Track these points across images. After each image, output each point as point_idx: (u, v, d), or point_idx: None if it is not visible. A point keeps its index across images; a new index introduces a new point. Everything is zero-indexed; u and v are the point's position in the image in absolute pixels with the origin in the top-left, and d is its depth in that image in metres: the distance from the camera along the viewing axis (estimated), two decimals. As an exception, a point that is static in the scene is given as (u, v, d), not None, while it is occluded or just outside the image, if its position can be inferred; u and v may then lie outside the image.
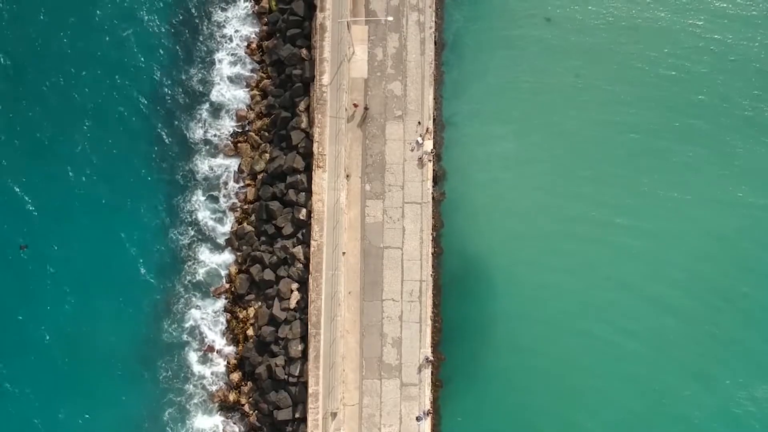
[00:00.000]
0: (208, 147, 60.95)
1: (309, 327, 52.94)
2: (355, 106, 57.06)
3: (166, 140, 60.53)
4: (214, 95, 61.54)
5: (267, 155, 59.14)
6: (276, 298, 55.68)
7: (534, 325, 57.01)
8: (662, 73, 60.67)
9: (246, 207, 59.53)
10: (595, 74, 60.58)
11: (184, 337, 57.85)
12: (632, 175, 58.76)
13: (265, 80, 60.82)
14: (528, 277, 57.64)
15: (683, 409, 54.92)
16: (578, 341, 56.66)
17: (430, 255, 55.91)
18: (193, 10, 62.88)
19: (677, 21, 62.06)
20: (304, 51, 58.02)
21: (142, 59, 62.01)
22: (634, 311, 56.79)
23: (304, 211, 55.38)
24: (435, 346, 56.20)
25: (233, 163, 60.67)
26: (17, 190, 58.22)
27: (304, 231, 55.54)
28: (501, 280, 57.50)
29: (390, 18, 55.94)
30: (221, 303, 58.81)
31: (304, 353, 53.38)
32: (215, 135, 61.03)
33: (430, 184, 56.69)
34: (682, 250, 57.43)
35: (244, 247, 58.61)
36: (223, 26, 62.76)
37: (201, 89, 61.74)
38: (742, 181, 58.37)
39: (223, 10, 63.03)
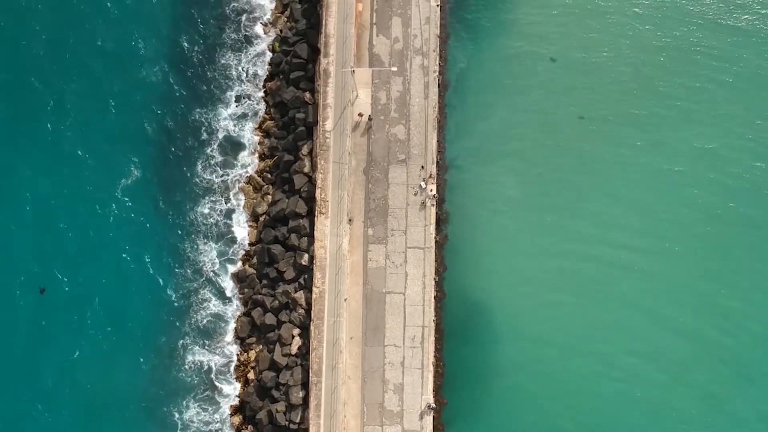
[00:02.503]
0: (212, 188, 60.84)
1: (310, 375, 52.70)
2: (360, 116, 56.80)
3: (172, 183, 60.71)
4: (221, 136, 61.50)
5: (269, 197, 59.03)
6: (277, 343, 55.48)
7: (536, 370, 56.69)
8: (666, 114, 60.37)
9: (248, 249, 59.37)
10: (600, 115, 60.26)
11: (189, 379, 57.79)
12: (636, 214, 58.39)
13: (268, 121, 60.74)
14: (530, 321, 57.31)
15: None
16: (581, 386, 56.29)
17: (433, 300, 55.64)
18: (203, 52, 63.07)
19: (681, 60, 61.75)
20: (307, 95, 57.95)
21: (148, 96, 62.17)
22: (639, 354, 56.36)
23: (306, 256, 55.20)
24: (437, 389, 55.89)
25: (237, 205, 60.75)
26: (32, 237, 59.07)
27: (306, 276, 55.36)
28: (503, 324, 57.23)
29: (394, 68, 55.78)
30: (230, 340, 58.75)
31: (305, 400, 53.16)
32: (220, 176, 60.91)
33: (432, 228, 56.46)
34: (685, 293, 57.30)
35: (246, 290, 58.46)
36: (232, 67, 62.75)
37: (207, 132, 61.81)
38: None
39: (235, 52, 63.07)
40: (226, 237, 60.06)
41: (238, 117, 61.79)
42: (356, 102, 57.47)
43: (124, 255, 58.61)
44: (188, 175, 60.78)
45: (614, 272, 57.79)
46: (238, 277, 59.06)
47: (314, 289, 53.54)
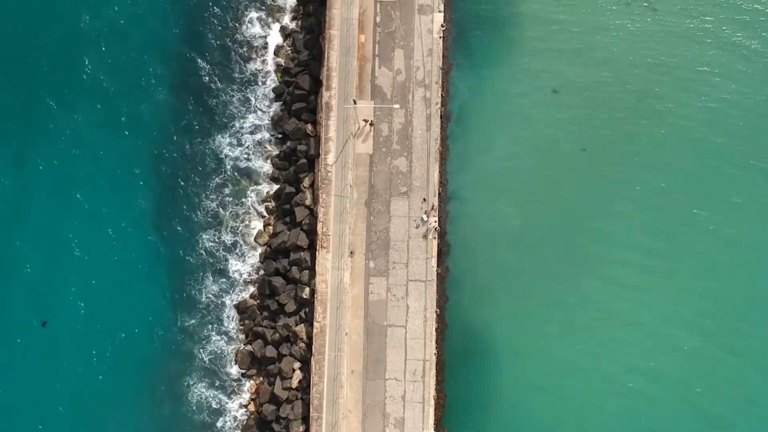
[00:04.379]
0: (215, 218, 60.82)
1: (311, 409, 52.50)
2: (365, 121, 56.79)
3: (175, 213, 60.44)
4: (228, 166, 61.52)
5: (270, 228, 58.91)
6: (278, 377, 55.32)
7: (538, 400, 56.45)
8: (669, 143, 60.25)
9: (249, 279, 59.21)
10: (603, 147, 60.06)
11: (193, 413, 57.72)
12: (639, 252, 58.18)
13: (270, 152, 60.60)
14: (532, 353, 57.09)
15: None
16: (585, 416, 56.07)
17: (434, 334, 55.46)
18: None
19: (685, 92, 61.58)
20: (309, 126, 57.85)
21: (154, 125, 62.13)
22: (643, 375, 56.27)
23: (307, 289, 55.04)
24: (438, 421, 55.69)
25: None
26: (30, 270, 58.74)
27: (307, 309, 55.20)
28: (504, 354, 56.95)
29: (397, 105, 55.70)
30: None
31: (306, 434, 53.07)
32: (224, 206, 60.85)
33: (434, 261, 56.29)
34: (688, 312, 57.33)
35: (246, 321, 58.31)
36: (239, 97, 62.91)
37: (213, 161, 61.79)
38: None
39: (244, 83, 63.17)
40: (227, 268, 59.80)
41: (246, 146, 61.67)
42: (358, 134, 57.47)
43: (126, 287, 58.28)
44: (192, 205, 60.45)
45: (621, 304, 57.45)
46: (238, 308, 58.88)
47: (315, 323, 53.37)
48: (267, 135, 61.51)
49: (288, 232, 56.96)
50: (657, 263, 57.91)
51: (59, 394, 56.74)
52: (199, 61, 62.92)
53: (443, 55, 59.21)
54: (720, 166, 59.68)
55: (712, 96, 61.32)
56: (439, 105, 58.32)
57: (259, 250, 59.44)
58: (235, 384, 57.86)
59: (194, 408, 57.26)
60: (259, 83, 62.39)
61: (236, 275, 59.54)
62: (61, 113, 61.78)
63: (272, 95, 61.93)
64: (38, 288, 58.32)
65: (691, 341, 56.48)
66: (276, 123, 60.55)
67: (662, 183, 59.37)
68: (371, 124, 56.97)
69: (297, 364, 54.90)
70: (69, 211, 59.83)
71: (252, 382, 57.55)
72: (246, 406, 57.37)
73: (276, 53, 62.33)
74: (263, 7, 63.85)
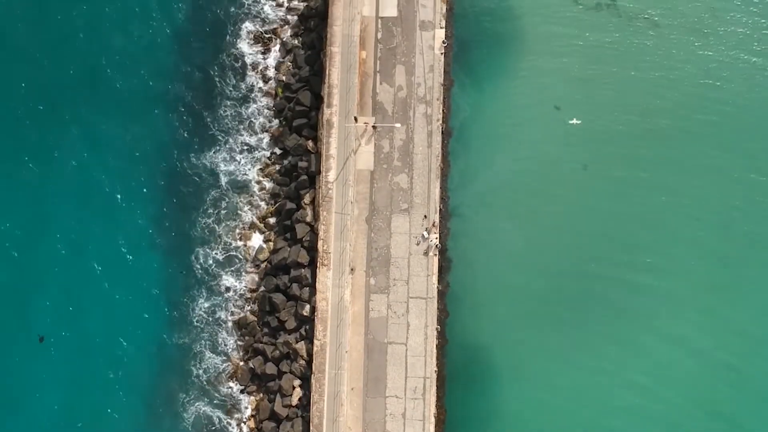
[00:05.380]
0: (214, 233, 60.67)
1: (311, 428, 52.34)
2: (366, 124, 56.65)
3: (173, 229, 60.37)
4: (224, 181, 61.46)
5: (271, 244, 58.83)
6: (278, 394, 55.21)
7: (539, 417, 56.30)
8: (671, 158, 60.12)
9: (249, 295, 59.14)
10: (604, 165, 59.94)
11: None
12: (639, 269, 58.04)
13: (270, 167, 60.58)
14: (532, 370, 56.96)
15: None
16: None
17: (435, 351, 55.33)
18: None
19: (688, 111, 61.46)
20: (310, 143, 57.78)
21: (150, 142, 62.12)
22: (644, 400, 56.09)
23: (307, 307, 54.94)
24: (438, 438, 55.75)
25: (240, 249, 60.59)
26: (30, 284, 58.75)
27: (307, 327, 55.10)
28: (505, 370, 56.80)
29: (398, 124, 55.64)
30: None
31: (306, 452, 52.91)
32: (222, 221, 60.77)
33: (435, 278, 56.17)
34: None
35: (247, 338, 58.21)
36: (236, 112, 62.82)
37: (209, 176, 61.77)
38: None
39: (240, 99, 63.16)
40: (225, 284, 59.67)
41: (243, 161, 61.62)
42: (359, 150, 57.37)
43: (124, 304, 58.14)
44: (188, 221, 60.34)
45: (622, 321, 57.28)
46: (238, 324, 58.79)
47: (315, 341, 53.25)
48: (266, 151, 61.44)
49: (288, 249, 56.85)
50: (657, 279, 57.76)
51: (55, 410, 56.58)
52: (197, 75, 63.01)
53: (445, 72, 59.16)
54: (723, 179, 59.53)
55: (712, 109, 61.23)
56: (441, 121, 58.24)
57: (261, 266, 59.26)
58: (234, 401, 57.70)
59: (193, 425, 57.06)
60: (259, 98, 62.36)
61: (234, 291, 59.39)
62: (52, 128, 61.70)
63: (269, 111, 61.89)
64: (37, 303, 58.18)
65: (700, 349, 56.20)
66: (276, 139, 60.49)
67: (663, 198, 59.27)
68: (374, 127, 56.85)
69: (297, 382, 54.78)
70: (63, 227, 59.71)
71: (252, 398, 57.44)
72: (246, 423, 57.24)
73: (277, 69, 62.26)
74: (261, 23, 64.03)
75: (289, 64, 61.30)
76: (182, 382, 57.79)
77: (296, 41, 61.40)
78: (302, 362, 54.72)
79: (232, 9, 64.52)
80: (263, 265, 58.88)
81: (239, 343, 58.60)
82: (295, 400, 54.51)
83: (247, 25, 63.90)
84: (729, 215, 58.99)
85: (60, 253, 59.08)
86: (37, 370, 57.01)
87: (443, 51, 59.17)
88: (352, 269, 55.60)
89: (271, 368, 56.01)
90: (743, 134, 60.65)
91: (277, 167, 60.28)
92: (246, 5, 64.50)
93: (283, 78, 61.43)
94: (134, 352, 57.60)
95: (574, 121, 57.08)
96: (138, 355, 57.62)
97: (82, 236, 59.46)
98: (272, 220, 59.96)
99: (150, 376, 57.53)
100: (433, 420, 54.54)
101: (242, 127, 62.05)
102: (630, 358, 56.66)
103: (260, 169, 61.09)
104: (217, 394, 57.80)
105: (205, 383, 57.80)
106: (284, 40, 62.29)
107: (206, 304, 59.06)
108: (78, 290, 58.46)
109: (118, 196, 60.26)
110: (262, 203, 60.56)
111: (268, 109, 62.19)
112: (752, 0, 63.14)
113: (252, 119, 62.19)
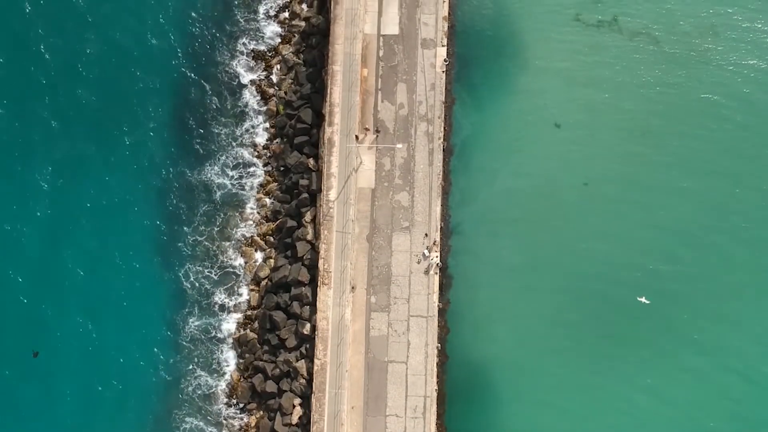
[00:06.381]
0: (213, 250, 60.56)
1: (311, 447, 52.34)
2: (366, 129, 56.56)
3: (170, 246, 60.38)
4: (222, 197, 61.34)
5: (272, 261, 58.73)
6: (278, 412, 55.07)
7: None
8: (672, 176, 60.14)
9: (249, 313, 59.03)
10: (605, 182, 59.94)
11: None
12: (639, 281, 58.02)
13: (272, 184, 60.53)
14: (532, 384, 56.91)
15: None
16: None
17: (435, 370, 55.23)
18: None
19: (688, 124, 61.48)
20: (311, 161, 57.71)
21: (149, 156, 62.11)
22: (643, 418, 56.01)
23: (308, 325, 54.83)
24: (438, 456, 55.65)
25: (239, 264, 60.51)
26: (25, 300, 58.46)
27: (307, 345, 54.98)
28: (505, 387, 56.74)
29: (400, 145, 55.64)
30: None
31: (306, 472, 52.79)
32: (222, 237, 60.68)
33: (436, 297, 56.11)
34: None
35: (247, 355, 58.07)
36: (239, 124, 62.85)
37: (206, 193, 61.70)
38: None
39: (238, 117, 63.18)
40: (225, 300, 59.61)
41: (243, 178, 61.57)
42: (360, 168, 57.31)
43: (120, 320, 58.07)
44: (185, 237, 60.53)
45: (616, 345, 57.17)
46: (239, 342, 58.67)
47: (316, 360, 53.15)
48: (267, 168, 61.43)
49: (289, 267, 56.76)
50: (660, 298, 57.74)
51: (48, 427, 56.52)
52: (196, 92, 63.39)
53: (446, 90, 59.18)
54: (724, 192, 59.50)
55: (710, 127, 61.25)
56: (442, 139, 58.23)
57: (262, 283, 59.14)
58: (234, 418, 57.54)
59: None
60: (259, 115, 62.39)
61: (234, 308, 59.34)
62: (44, 144, 61.77)
63: (270, 128, 61.94)
64: (32, 318, 57.98)
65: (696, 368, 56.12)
66: (278, 156, 60.41)
67: (663, 213, 59.26)
68: (377, 131, 56.76)
69: (297, 400, 54.65)
70: (56, 243, 59.70)
71: (252, 416, 57.26)
72: None
73: (278, 86, 62.23)
74: (262, 40, 64.15)
75: (291, 81, 61.22)
76: (178, 400, 57.68)
77: (298, 58, 61.31)
78: (302, 381, 54.61)
79: (233, 26, 64.73)
80: (264, 283, 58.74)
81: (240, 360, 58.44)
82: (295, 419, 54.37)
83: (248, 42, 64.00)
84: (732, 224, 59.04)
85: (53, 269, 58.93)
86: (31, 385, 56.82)
87: (445, 69, 59.18)
88: (352, 287, 55.52)
89: (271, 386, 55.89)
90: (747, 149, 60.70)
91: (278, 185, 60.18)
92: (246, 22, 64.71)
93: (284, 95, 61.33)
94: (128, 368, 57.42)
95: (644, 299, 57.17)
96: (134, 373, 57.47)
97: (78, 250, 59.43)
98: (273, 238, 59.80)
99: (146, 393, 57.38)
100: (433, 439, 54.51)
101: (242, 143, 62.12)
102: (632, 376, 56.56)
103: (261, 185, 61.08)
104: (217, 412, 57.64)
105: (201, 400, 57.68)
106: (285, 56, 62.21)
107: (205, 321, 59.00)
108: (74, 305, 58.32)
109: (116, 212, 60.33)
110: (263, 220, 60.47)
111: (268, 126, 62.16)
112: (755, 16, 63.18)
113: (253, 136, 62.19)
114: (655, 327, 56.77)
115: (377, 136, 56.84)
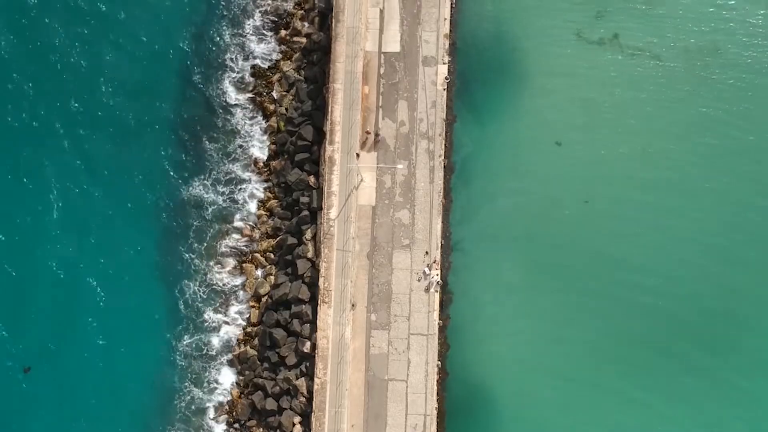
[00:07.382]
0: (212, 266, 60.59)
1: (311, 466, 52.31)
2: (368, 133, 56.46)
3: (167, 261, 60.27)
4: (222, 212, 61.40)
5: (272, 278, 58.71)
6: (278, 430, 55.08)
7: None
8: (670, 205, 59.96)
9: (249, 330, 59.01)
10: (606, 200, 59.84)
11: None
12: (638, 298, 57.93)
13: (272, 200, 60.53)
14: (532, 402, 56.83)
15: None
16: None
17: (435, 388, 55.19)
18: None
19: (690, 141, 61.40)
20: (312, 178, 57.70)
21: (147, 170, 62.12)
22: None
23: (308, 343, 54.80)
24: (438, 474, 55.51)
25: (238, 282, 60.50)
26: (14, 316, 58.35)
27: (307, 363, 54.96)
28: (506, 405, 56.68)
29: (401, 165, 55.64)
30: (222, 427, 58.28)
31: (306, 491, 52.76)
32: (220, 253, 60.71)
33: (436, 315, 56.08)
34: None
35: (247, 372, 58.05)
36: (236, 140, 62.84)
37: (204, 208, 61.82)
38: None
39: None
40: (224, 317, 59.61)
41: (242, 194, 61.61)
42: (361, 186, 57.35)
43: (115, 335, 57.93)
44: (184, 252, 60.34)
45: (621, 364, 57.10)
46: (239, 358, 58.64)
47: (316, 379, 53.12)
48: (268, 185, 61.47)
49: (289, 284, 56.74)
50: (662, 318, 57.67)
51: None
52: (194, 105, 63.25)
53: (447, 107, 59.14)
54: (725, 210, 59.43)
55: (712, 143, 61.16)
56: (443, 157, 58.21)
57: (262, 300, 59.13)
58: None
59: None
60: (259, 132, 62.46)
61: (234, 325, 59.33)
62: (37, 155, 61.68)
63: (270, 145, 62.04)
64: (22, 334, 57.85)
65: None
66: (278, 173, 60.41)
67: (664, 231, 59.16)
68: (377, 135, 56.74)
69: (297, 418, 54.62)
70: (48, 258, 59.52)
71: (251, 435, 57.22)
72: None
73: (279, 102, 62.23)
74: (262, 56, 64.26)
75: (291, 97, 61.20)
76: (174, 417, 57.65)
77: (299, 75, 61.29)
78: (302, 399, 54.58)
79: (233, 39, 64.63)
80: (264, 300, 58.73)
81: (239, 378, 58.43)
82: (295, 438, 54.39)
83: (249, 58, 64.04)
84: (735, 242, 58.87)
85: (44, 283, 58.79)
86: (22, 401, 56.73)
87: (446, 86, 59.17)
88: (353, 305, 55.50)
89: (271, 404, 55.84)
90: (749, 166, 60.63)
91: (279, 201, 60.18)
92: (246, 38, 64.59)
93: (285, 112, 61.31)
94: (122, 385, 57.29)
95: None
96: (127, 388, 57.37)
97: (71, 264, 59.28)
98: (273, 255, 59.77)
99: (139, 411, 57.22)
100: (433, 457, 54.42)
101: (242, 160, 62.08)
102: (627, 391, 56.41)
103: (262, 202, 61.09)
104: (213, 429, 57.64)
105: (198, 417, 57.66)
106: (287, 73, 62.19)
107: (202, 337, 58.96)
108: (66, 319, 58.13)
109: (110, 226, 60.21)
110: (264, 237, 60.44)
111: (269, 143, 62.17)
112: (756, 31, 63.13)
113: (254, 153, 62.19)
114: (657, 347, 56.65)
115: (377, 139, 56.74)
